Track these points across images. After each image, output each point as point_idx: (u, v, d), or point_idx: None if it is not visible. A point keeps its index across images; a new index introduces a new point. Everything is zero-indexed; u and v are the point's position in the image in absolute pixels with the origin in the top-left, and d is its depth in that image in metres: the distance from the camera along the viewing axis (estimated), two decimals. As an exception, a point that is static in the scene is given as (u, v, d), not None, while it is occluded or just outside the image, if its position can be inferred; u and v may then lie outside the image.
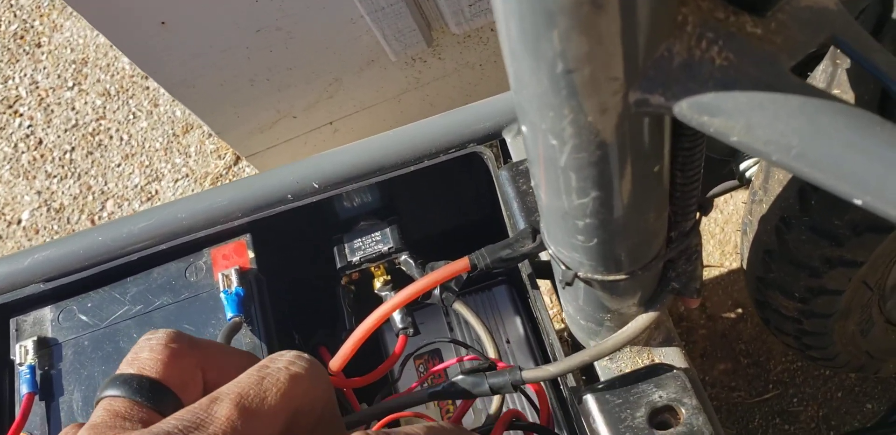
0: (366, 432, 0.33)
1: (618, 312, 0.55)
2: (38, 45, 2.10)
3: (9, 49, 2.11)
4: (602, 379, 0.61)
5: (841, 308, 0.82)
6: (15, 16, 2.16)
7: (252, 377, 0.35)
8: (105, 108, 1.97)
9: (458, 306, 0.64)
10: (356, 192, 0.71)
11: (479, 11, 1.22)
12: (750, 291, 0.89)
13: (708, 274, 1.51)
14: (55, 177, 1.90)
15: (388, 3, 1.14)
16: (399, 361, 0.66)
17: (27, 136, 1.97)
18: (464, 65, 1.38)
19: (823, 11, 0.33)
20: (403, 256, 0.71)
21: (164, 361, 0.37)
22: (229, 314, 0.64)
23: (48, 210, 1.85)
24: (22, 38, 2.12)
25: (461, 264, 0.59)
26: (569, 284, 0.49)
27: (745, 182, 0.87)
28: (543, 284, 1.13)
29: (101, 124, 1.95)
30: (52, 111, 1.99)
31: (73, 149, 1.93)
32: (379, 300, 0.72)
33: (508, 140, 0.71)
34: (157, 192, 1.83)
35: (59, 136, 1.95)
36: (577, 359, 0.52)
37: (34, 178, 1.91)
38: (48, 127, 1.97)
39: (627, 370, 0.61)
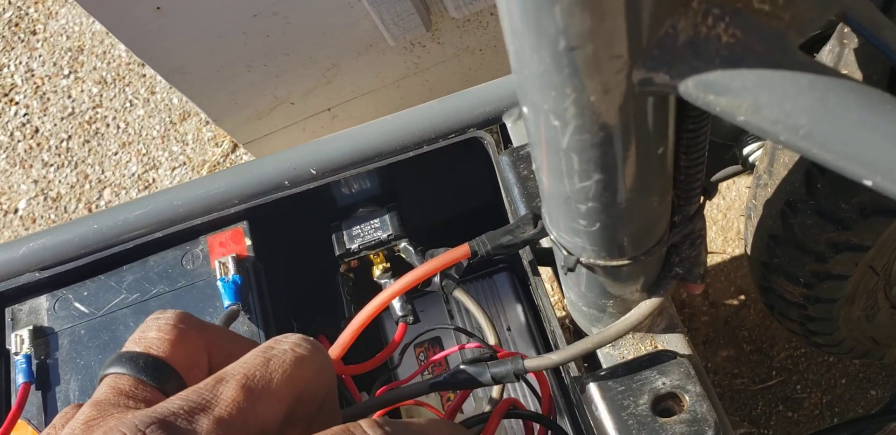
0: (374, 421, 0.32)
1: (620, 299, 0.55)
2: (34, 33, 2.08)
3: (3, 36, 2.10)
4: (604, 366, 0.60)
5: (846, 293, 0.82)
6: (10, 3, 2.14)
7: (258, 358, 0.34)
8: (101, 95, 1.96)
9: (459, 294, 0.63)
10: (354, 178, 0.70)
11: (479, -5, 1.20)
12: (754, 276, 0.89)
13: (711, 260, 1.50)
14: (52, 165, 1.89)
15: (385, -13, 1.13)
16: (399, 349, 0.66)
17: (23, 124, 1.96)
18: (463, 49, 1.37)
19: (833, -14, 0.32)
20: (403, 243, 0.70)
21: (171, 342, 0.37)
22: (226, 302, 0.64)
23: (45, 199, 1.85)
24: (17, 25, 2.10)
25: (461, 251, 0.58)
26: (570, 269, 0.49)
27: (748, 167, 0.86)
28: (545, 271, 1.13)
29: (97, 112, 1.94)
30: (49, 99, 1.98)
31: (69, 137, 1.92)
32: (378, 288, 0.71)
33: (509, 125, 0.71)
34: (154, 180, 1.82)
35: (55, 125, 1.94)
36: (580, 347, 0.51)
37: (31, 166, 1.90)
38: (44, 115, 1.96)
39: (630, 357, 0.60)
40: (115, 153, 1.87)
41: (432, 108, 0.71)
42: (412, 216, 0.74)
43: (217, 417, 0.31)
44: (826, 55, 0.58)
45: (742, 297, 1.46)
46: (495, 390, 0.55)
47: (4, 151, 1.93)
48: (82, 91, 1.97)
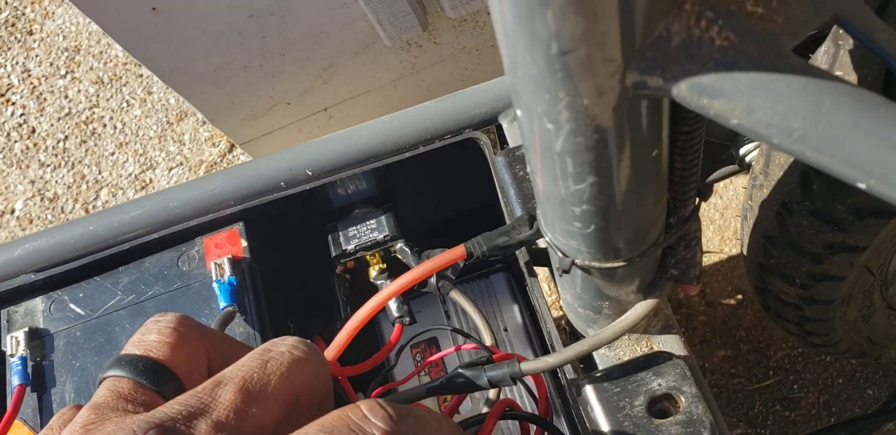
0: (376, 401, 0.32)
1: (616, 300, 0.55)
2: (30, 33, 2.08)
3: (0, 37, 2.09)
4: (600, 367, 0.60)
5: (842, 294, 0.82)
6: (6, 3, 2.13)
7: (255, 361, 0.34)
8: (98, 96, 1.95)
9: (455, 295, 0.63)
10: (350, 179, 0.70)
11: (475, -5, 1.20)
12: (750, 277, 0.89)
13: (707, 260, 1.50)
14: (49, 166, 1.89)
15: (382, -13, 1.13)
16: (395, 350, 0.66)
17: (20, 124, 1.96)
18: (460, 49, 1.37)
19: (827, -11, 0.32)
20: (399, 244, 0.70)
21: (171, 345, 0.37)
22: (222, 304, 0.63)
23: (42, 199, 1.84)
24: (13, 25, 2.10)
25: (457, 252, 0.58)
26: (566, 271, 0.48)
27: (745, 167, 0.86)
28: (541, 271, 1.12)
29: (94, 113, 1.94)
30: (45, 99, 1.98)
31: (66, 138, 1.91)
32: (374, 289, 0.71)
33: (505, 125, 0.70)
34: (151, 180, 1.82)
35: (52, 125, 1.94)
36: (576, 349, 0.51)
37: (27, 167, 1.89)
38: (41, 115, 1.95)
39: (626, 358, 0.60)
40: (112, 153, 1.87)
41: (428, 109, 0.71)
42: (408, 217, 0.74)
43: (215, 421, 0.31)
44: (821, 56, 0.58)
45: (739, 296, 1.46)
46: (492, 392, 0.55)
47: (1, 152, 1.93)
48: (79, 91, 1.97)
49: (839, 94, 0.28)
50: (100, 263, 0.69)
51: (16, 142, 1.93)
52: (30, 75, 2.02)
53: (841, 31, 0.55)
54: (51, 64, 2.02)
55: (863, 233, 0.70)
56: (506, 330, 0.86)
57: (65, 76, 2.00)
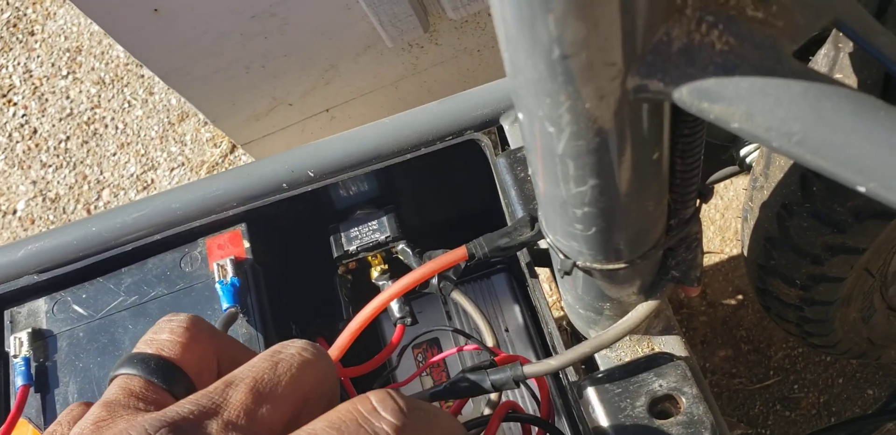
0: (386, 392, 0.32)
1: (617, 301, 0.55)
2: (32, 34, 2.08)
3: (1, 37, 2.10)
4: (602, 368, 0.61)
5: (842, 295, 0.82)
6: (7, 3, 2.14)
7: (266, 362, 0.34)
8: (100, 96, 1.96)
9: (457, 295, 0.63)
10: (352, 180, 0.70)
11: (476, -4, 1.20)
12: (751, 278, 0.89)
13: (708, 260, 1.50)
14: (50, 166, 1.89)
15: (383, -12, 1.13)
16: (397, 351, 0.66)
17: (21, 125, 1.96)
18: (461, 50, 1.37)
19: (826, -6, 0.32)
20: (401, 245, 0.71)
21: (183, 345, 0.37)
22: (225, 305, 0.64)
23: (44, 200, 1.85)
24: (15, 26, 2.10)
25: (459, 253, 0.58)
26: (567, 273, 0.49)
27: (745, 168, 0.86)
28: (542, 272, 1.12)
29: (96, 113, 1.94)
30: (47, 100, 1.98)
31: (68, 138, 1.91)
32: (376, 290, 0.71)
33: (506, 127, 0.71)
34: (152, 181, 1.82)
35: (53, 126, 1.94)
36: (578, 351, 0.52)
37: (29, 167, 1.90)
38: (43, 116, 1.96)
39: (627, 359, 0.60)
40: (114, 154, 1.87)
41: (429, 111, 0.71)
42: (410, 218, 0.74)
43: (226, 421, 0.31)
44: (821, 59, 0.58)
45: (740, 297, 1.47)
46: (494, 394, 0.56)
47: (3, 152, 1.93)
48: (80, 92, 1.97)
49: (838, 97, 0.28)
50: (102, 264, 0.69)
51: (17, 142, 1.94)
52: (31, 76, 2.02)
53: (841, 34, 0.55)
54: (52, 64, 2.03)
55: (862, 235, 0.70)
56: (507, 330, 0.86)
57: (66, 77, 2.00)
